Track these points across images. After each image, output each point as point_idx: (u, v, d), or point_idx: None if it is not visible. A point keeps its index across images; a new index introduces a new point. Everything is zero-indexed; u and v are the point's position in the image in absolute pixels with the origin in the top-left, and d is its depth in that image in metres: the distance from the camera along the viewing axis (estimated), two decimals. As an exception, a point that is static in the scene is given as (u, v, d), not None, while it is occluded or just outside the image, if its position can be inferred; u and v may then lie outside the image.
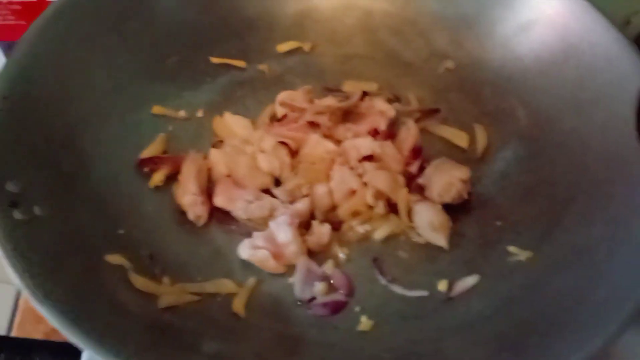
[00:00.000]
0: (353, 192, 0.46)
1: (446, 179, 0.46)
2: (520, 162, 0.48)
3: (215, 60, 0.55)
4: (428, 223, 0.44)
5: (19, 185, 0.37)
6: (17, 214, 0.35)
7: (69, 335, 0.32)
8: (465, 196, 0.46)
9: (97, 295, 0.37)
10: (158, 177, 0.47)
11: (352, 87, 0.55)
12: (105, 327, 0.34)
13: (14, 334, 0.59)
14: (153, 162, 0.48)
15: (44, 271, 0.34)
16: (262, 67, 0.56)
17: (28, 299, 0.32)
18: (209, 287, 0.41)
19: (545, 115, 0.49)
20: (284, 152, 0.48)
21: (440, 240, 0.44)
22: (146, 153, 0.48)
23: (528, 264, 0.42)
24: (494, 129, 0.51)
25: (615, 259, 0.39)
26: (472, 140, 0.51)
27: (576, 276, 0.39)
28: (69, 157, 0.43)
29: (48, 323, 0.62)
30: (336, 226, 0.46)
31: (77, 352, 0.55)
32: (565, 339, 0.34)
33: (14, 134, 0.40)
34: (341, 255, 0.45)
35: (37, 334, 0.59)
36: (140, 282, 0.39)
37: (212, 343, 0.38)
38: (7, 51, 0.69)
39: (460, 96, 0.54)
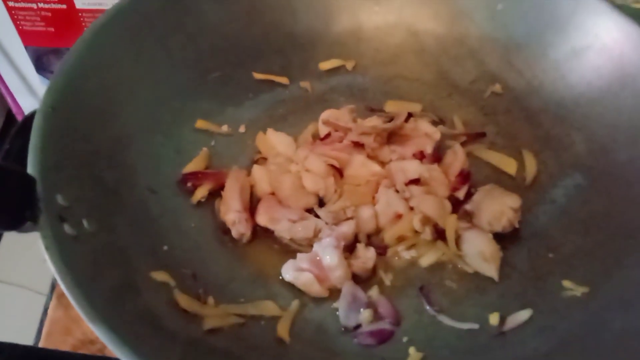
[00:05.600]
0: (399, 216, 0.45)
1: (497, 207, 0.44)
2: (573, 192, 0.46)
3: (258, 76, 0.54)
4: (478, 252, 0.43)
5: (67, 199, 0.36)
6: (67, 228, 0.34)
7: (114, 348, 0.31)
8: (517, 225, 0.44)
9: (140, 311, 0.36)
10: (201, 193, 0.46)
11: (395, 108, 0.54)
12: (148, 345, 0.33)
13: (41, 345, 0.58)
14: (196, 178, 0.47)
15: (91, 285, 0.33)
16: (305, 84, 0.55)
17: (78, 312, 0.31)
18: (252, 309, 0.40)
19: (599, 144, 0.47)
20: (329, 173, 0.47)
21: (490, 270, 0.42)
22: (189, 168, 0.48)
23: (585, 299, 0.40)
24: (544, 156, 0.50)
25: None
26: (521, 167, 0.49)
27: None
28: (113, 171, 0.43)
29: (76, 335, 0.61)
30: (381, 251, 0.44)
31: (106, 367, 0.54)
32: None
33: (61, 146, 0.40)
34: (386, 281, 0.43)
35: (65, 346, 0.58)
36: (185, 301, 0.38)
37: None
38: (35, 56, 0.68)
39: (508, 120, 0.52)
